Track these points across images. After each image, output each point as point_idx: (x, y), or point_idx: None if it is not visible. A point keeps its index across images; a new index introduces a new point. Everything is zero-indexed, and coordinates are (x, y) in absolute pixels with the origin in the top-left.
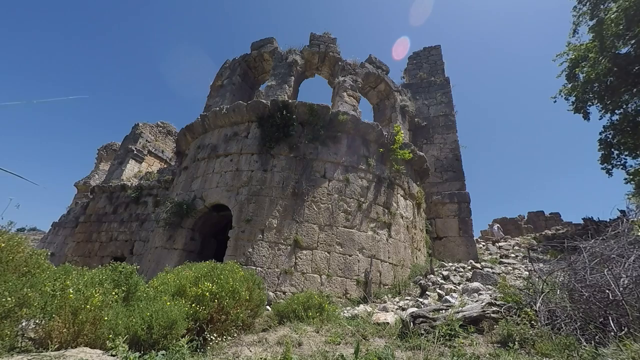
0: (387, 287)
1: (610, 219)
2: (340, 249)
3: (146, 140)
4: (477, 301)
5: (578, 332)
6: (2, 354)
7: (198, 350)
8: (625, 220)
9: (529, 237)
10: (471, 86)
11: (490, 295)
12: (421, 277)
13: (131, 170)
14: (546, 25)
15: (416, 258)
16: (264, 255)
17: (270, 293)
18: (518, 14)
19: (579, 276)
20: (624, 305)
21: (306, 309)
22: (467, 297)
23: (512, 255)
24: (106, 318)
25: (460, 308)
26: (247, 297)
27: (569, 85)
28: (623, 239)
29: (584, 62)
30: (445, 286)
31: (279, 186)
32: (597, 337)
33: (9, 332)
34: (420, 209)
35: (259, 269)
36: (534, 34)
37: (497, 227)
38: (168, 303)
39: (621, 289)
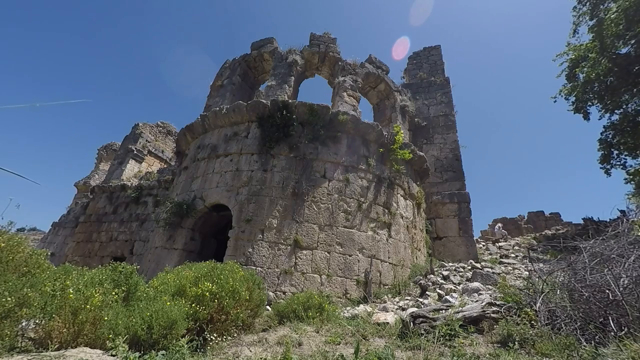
0: (387, 287)
1: (610, 219)
2: (340, 249)
3: (146, 140)
4: (477, 301)
5: (578, 332)
6: (2, 354)
7: (198, 350)
8: (625, 220)
9: (529, 237)
10: (471, 86)
11: (490, 295)
12: (421, 277)
13: (131, 170)
14: (546, 26)
15: (416, 258)
16: (264, 255)
17: (270, 293)
18: (518, 14)
19: (579, 276)
20: (624, 305)
21: (306, 309)
22: (467, 297)
23: (512, 255)
24: (106, 318)
25: (460, 308)
26: (247, 297)
27: (569, 85)
28: (623, 239)
29: (584, 62)
30: (445, 286)
31: (279, 186)
32: (597, 337)
33: (9, 332)
34: (420, 209)
35: (259, 269)
36: (534, 34)
37: (499, 226)
38: (168, 303)
39: (621, 289)
